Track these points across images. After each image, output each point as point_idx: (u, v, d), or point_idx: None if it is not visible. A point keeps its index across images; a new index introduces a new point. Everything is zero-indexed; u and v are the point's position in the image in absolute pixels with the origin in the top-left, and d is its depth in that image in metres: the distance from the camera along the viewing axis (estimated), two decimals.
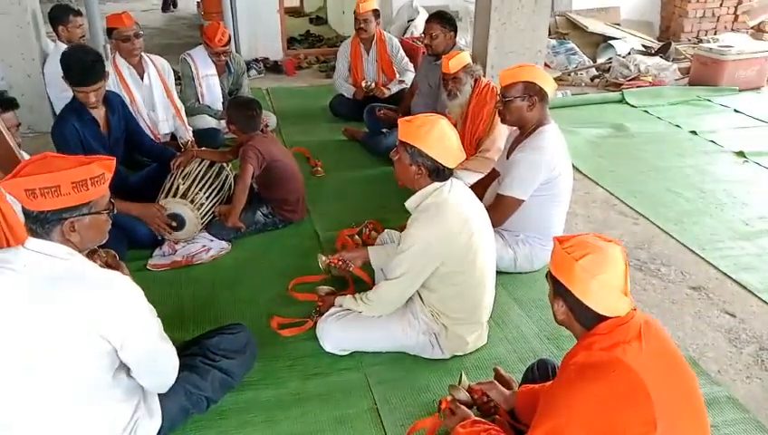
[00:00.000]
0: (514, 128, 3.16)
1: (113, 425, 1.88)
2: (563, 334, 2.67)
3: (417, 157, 2.27)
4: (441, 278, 2.38)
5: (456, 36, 4.35)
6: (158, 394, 2.04)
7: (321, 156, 4.56)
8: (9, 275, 1.67)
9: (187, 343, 2.30)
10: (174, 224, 3.27)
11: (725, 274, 3.19)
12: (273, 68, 7.10)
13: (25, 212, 1.73)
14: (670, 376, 1.59)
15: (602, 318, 1.60)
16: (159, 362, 1.94)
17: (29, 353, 1.65)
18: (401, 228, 2.98)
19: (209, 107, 4.77)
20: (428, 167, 2.28)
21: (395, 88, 5.23)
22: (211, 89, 4.77)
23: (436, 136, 2.25)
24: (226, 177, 3.69)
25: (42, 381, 1.70)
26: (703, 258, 3.34)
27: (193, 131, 4.45)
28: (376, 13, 5.17)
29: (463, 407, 2.03)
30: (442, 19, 4.33)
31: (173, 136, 4.42)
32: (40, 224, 1.71)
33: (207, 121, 4.73)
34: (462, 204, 2.35)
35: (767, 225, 3.70)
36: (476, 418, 1.97)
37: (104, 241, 1.93)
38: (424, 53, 6.03)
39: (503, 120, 3.09)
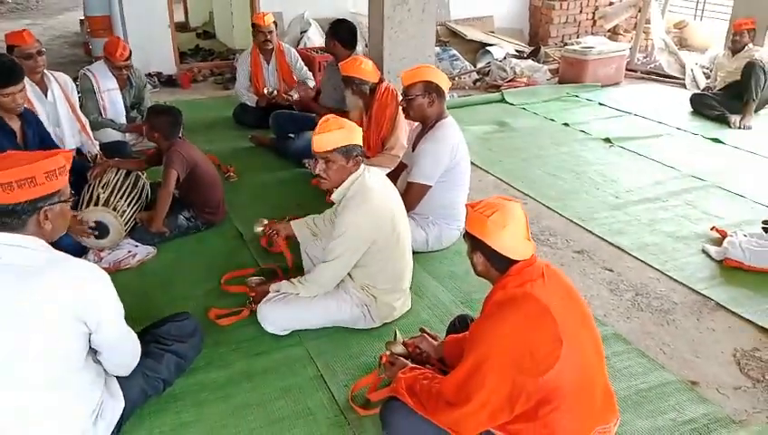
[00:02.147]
0: (417, 123, 3.53)
1: (84, 408, 2.02)
2: (474, 298, 3.06)
3: (352, 151, 2.56)
4: (371, 255, 2.67)
5: (353, 46, 4.69)
6: (118, 378, 2.18)
7: (232, 162, 4.72)
8: None
9: (139, 334, 2.44)
10: (97, 233, 3.33)
11: (602, 238, 3.73)
12: (168, 82, 7.12)
13: None
14: (568, 303, 1.97)
15: (513, 262, 1.96)
16: (127, 344, 2.10)
17: (13, 342, 1.77)
18: None
19: (112, 121, 4.79)
20: (360, 155, 2.60)
21: (296, 95, 5.47)
22: (114, 103, 4.80)
23: (356, 129, 2.58)
24: (144, 184, 3.79)
25: (22, 367, 1.81)
26: (583, 227, 3.87)
27: (99, 145, 4.46)
28: (275, 24, 5.42)
29: (400, 358, 2.33)
30: (336, 34, 4.63)
31: (79, 151, 4.41)
32: (17, 215, 1.82)
33: (112, 135, 4.75)
34: (381, 187, 2.67)
35: (633, 196, 4.31)
36: (413, 365, 2.27)
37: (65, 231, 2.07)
38: (320, 62, 6.38)
39: (407, 116, 3.44)
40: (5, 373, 1.80)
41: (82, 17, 8.70)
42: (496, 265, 1.98)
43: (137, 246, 3.49)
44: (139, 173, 3.82)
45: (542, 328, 1.87)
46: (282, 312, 2.75)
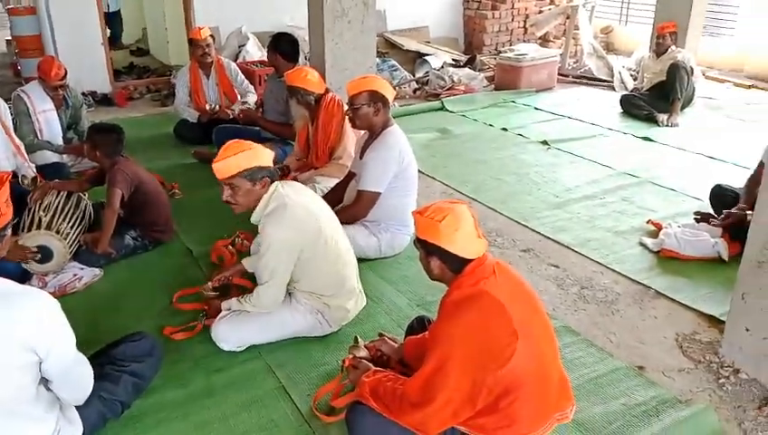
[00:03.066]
0: (363, 132, 3.58)
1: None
2: (429, 301, 3.12)
3: (257, 174, 2.55)
4: (303, 265, 2.66)
5: (295, 58, 4.72)
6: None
7: (176, 179, 4.65)
8: None
9: (93, 356, 2.38)
10: (40, 257, 3.24)
11: (546, 236, 3.87)
12: (103, 101, 6.96)
13: None
14: (520, 297, 2.05)
15: (467, 262, 2.02)
16: (78, 372, 2.04)
17: None
18: None
19: (49, 142, 4.65)
20: (268, 175, 2.60)
21: (238, 109, 5.45)
22: (50, 124, 4.66)
23: (260, 151, 2.59)
24: (86, 206, 3.70)
25: None
26: (527, 227, 4.00)
27: (36, 168, 4.33)
28: (213, 38, 5.39)
29: (364, 361, 2.36)
30: (278, 48, 4.67)
31: (14, 175, 4.27)
32: None
33: (49, 157, 4.61)
34: (300, 196, 2.69)
35: (573, 195, 4.49)
36: (377, 368, 2.31)
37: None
38: (260, 75, 6.38)
39: (353, 125, 3.49)
40: None
41: (9, 37, 8.43)
42: (452, 266, 2.04)
43: (82, 268, 3.40)
44: (81, 194, 3.73)
45: (498, 324, 1.94)
46: (236, 329, 2.73)
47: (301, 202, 2.66)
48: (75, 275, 3.35)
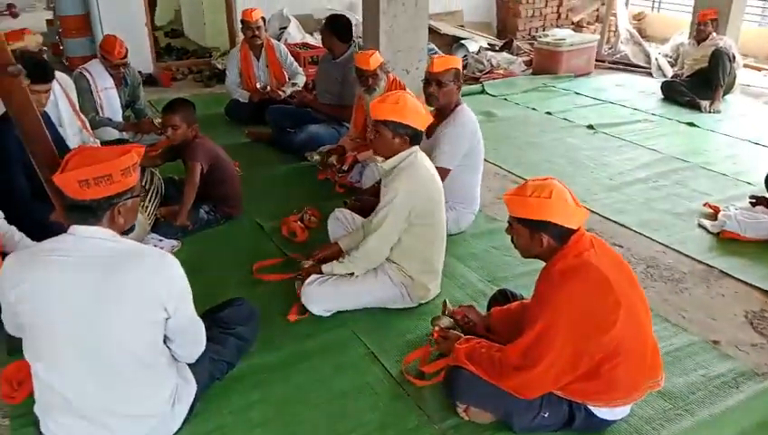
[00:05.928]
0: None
1: (165, 391, 2.08)
2: (498, 276, 3.23)
3: (400, 129, 2.71)
4: (411, 230, 2.79)
5: (349, 39, 4.80)
6: (188, 363, 2.25)
7: (234, 158, 4.72)
8: (66, 262, 1.83)
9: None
10: None
11: (606, 217, 3.95)
12: (148, 81, 7.04)
13: (71, 203, 1.88)
14: (618, 269, 2.14)
15: (572, 233, 2.11)
16: (196, 330, 2.16)
17: (104, 329, 1.84)
18: (351, 207, 3.40)
19: (110, 119, 4.76)
20: (409, 134, 2.73)
21: (289, 90, 5.54)
22: (110, 101, 4.78)
23: (411, 107, 2.72)
24: (159, 180, 3.81)
25: (111, 353, 1.88)
26: (587, 208, 4.06)
27: (101, 144, 4.44)
28: (263, 20, 5.47)
29: (452, 331, 2.47)
30: (333, 29, 4.78)
31: None
32: (92, 212, 1.86)
33: (112, 133, 4.73)
34: (428, 167, 2.83)
35: (626, 178, 4.56)
36: (468, 336, 2.41)
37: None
38: (305, 57, 6.47)
39: (434, 103, 3.52)
40: (97, 361, 1.87)
41: (49, 17, 8.54)
42: (559, 240, 2.11)
43: (161, 240, 3.51)
44: (153, 169, 3.84)
45: (602, 293, 2.03)
46: (326, 293, 2.85)
47: (428, 172, 2.84)
48: (155, 246, 3.46)
